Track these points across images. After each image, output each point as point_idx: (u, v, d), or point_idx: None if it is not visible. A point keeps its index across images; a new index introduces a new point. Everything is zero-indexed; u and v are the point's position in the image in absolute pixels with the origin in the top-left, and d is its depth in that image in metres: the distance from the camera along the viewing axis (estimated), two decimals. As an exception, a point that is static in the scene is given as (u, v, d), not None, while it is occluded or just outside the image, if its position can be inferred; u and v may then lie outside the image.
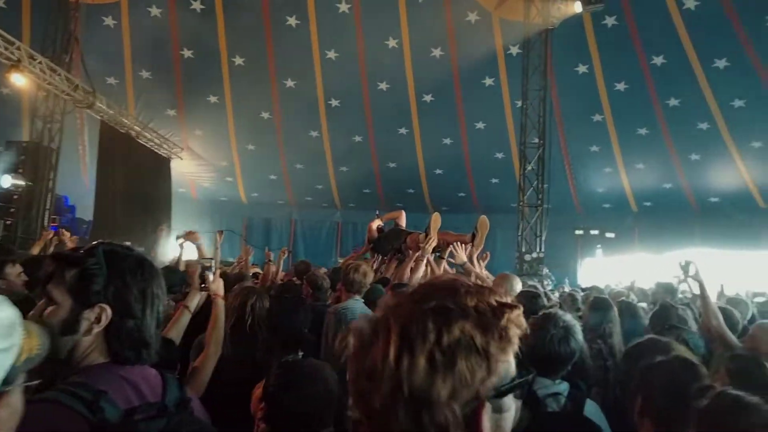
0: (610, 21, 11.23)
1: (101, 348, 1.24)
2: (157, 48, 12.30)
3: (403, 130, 13.70)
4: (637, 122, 12.50)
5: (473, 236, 4.66)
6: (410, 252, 5.00)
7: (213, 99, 13.14)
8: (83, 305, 1.22)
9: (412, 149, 13.95)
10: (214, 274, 3.02)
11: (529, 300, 3.32)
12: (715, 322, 3.44)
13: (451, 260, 4.38)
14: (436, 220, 4.68)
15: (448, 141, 13.77)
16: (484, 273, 4.28)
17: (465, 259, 4.23)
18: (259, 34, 12.17)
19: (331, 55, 12.46)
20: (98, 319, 1.22)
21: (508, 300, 0.83)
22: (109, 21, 11.71)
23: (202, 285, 2.99)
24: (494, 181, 14.17)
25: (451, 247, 4.36)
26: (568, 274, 12.77)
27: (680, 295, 5.86)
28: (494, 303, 0.81)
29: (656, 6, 10.75)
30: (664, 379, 1.88)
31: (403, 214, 6.05)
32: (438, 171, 14.40)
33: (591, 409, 2.19)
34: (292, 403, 1.76)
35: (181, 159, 14.02)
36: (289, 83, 12.95)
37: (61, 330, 1.20)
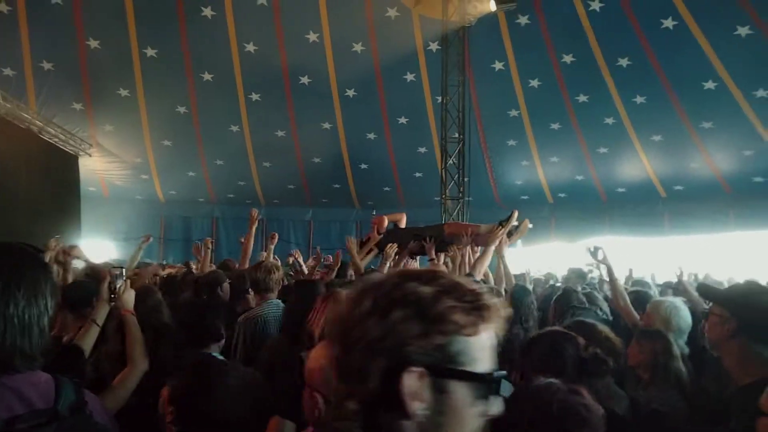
0: (523, 20, 11.67)
1: None
2: (59, 38, 11.42)
3: (326, 125, 13.59)
4: (550, 117, 13.07)
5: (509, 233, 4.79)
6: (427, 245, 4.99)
7: (124, 92, 12.43)
8: None
9: (336, 144, 13.88)
10: (124, 283, 2.78)
11: None
12: (622, 302, 3.74)
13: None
14: (525, 228, 4.76)
15: (372, 136, 13.82)
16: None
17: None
18: (173, 25, 11.62)
19: (250, 48, 12.14)
20: None
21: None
22: (2, 7, 10.75)
23: (112, 296, 2.76)
24: (418, 175, 14.37)
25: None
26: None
27: (590, 279, 6.29)
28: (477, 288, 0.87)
29: (565, 6, 11.29)
30: (545, 348, 2.03)
31: (404, 216, 5.99)
32: (363, 166, 14.42)
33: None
34: (202, 405, 1.70)
35: (90, 156, 13.19)
36: (207, 76, 12.48)
37: None
